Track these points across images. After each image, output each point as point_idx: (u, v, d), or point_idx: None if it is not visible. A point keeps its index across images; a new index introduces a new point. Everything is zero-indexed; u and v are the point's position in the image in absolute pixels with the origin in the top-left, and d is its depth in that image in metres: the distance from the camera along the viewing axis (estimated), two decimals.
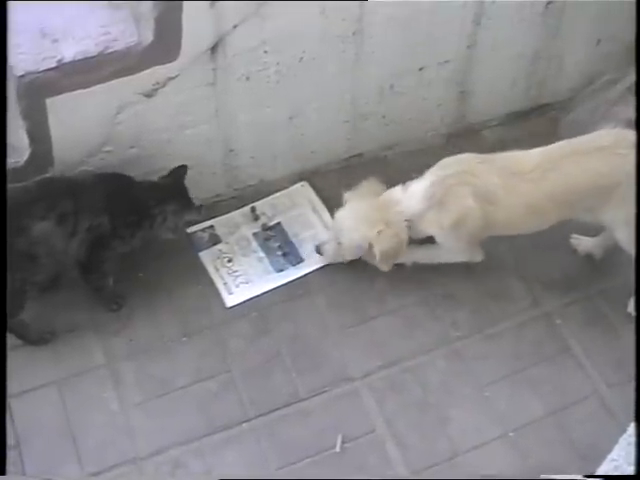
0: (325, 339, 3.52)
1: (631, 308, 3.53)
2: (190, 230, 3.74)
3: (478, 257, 3.58)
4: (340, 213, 3.59)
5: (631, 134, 3.29)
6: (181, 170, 3.52)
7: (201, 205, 3.59)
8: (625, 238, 3.40)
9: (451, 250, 3.55)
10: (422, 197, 3.43)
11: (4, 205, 3.09)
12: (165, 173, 3.52)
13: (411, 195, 3.47)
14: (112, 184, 3.40)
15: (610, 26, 3.94)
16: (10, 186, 3.18)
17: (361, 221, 3.52)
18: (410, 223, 3.47)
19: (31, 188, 3.27)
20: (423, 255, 3.62)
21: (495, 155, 3.46)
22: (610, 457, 2.67)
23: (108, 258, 3.43)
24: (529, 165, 3.35)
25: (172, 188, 3.52)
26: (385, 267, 3.56)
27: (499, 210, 3.37)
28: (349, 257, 3.62)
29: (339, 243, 3.58)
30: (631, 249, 3.39)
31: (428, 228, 3.47)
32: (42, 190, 3.27)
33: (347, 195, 3.61)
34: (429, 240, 3.54)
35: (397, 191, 3.51)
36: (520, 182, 3.34)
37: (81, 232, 3.30)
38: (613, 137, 3.34)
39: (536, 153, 3.40)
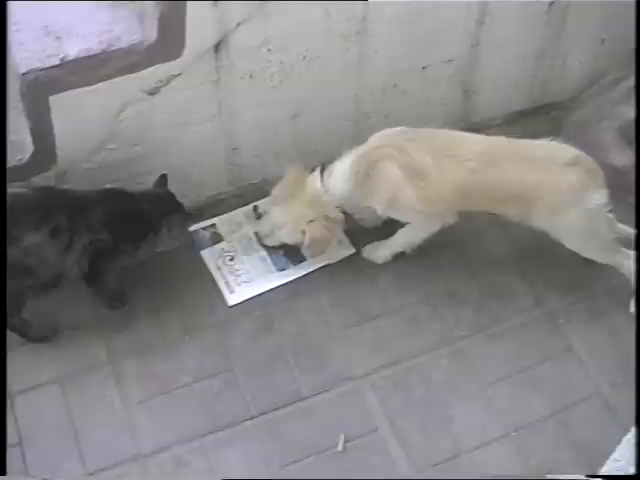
0: (328, 338, 3.52)
1: (633, 308, 3.54)
2: (192, 229, 3.74)
3: (450, 219, 3.51)
4: (273, 213, 3.65)
5: (570, 150, 3.35)
6: (163, 179, 3.50)
7: (190, 214, 3.59)
8: (573, 248, 3.47)
9: (415, 222, 3.56)
10: (346, 178, 3.46)
11: (4, 206, 3.08)
12: (154, 181, 3.51)
13: (336, 178, 3.49)
14: (112, 200, 3.36)
15: (614, 25, 3.94)
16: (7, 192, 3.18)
17: (295, 219, 3.55)
18: (343, 207, 3.53)
19: (27, 197, 3.23)
20: (403, 238, 3.64)
21: (429, 132, 3.47)
22: (613, 457, 2.67)
23: (110, 270, 3.42)
24: (468, 152, 3.35)
25: (166, 198, 3.50)
26: (313, 254, 3.66)
27: (430, 188, 3.37)
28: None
29: (280, 240, 3.66)
30: (586, 255, 3.49)
31: (367, 204, 3.50)
32: (39, 200, 3.23)
33: (275, 192, 3.64)
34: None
35: (319, 178, 3.53)
36: (454, 166, 3.34)
37: (78, 248, 3.26)
38: (550, 150, 3.37)
39: (477, 141, 3.42)
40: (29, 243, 3.15)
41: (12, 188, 3.21)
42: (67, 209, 3.23)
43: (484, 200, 3.40)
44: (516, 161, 3.35)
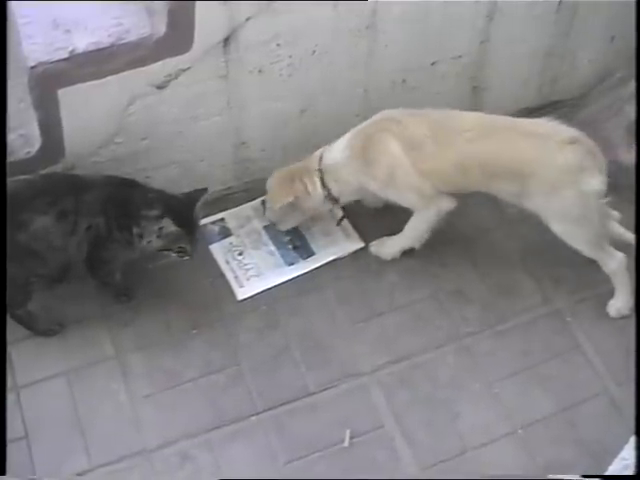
0: (334, 334, 3.52)
1: None
2: (201, 223, 3.73)
3: (447, 204, 3.49)
4: None
5: (569, 130, 3.32)
6: (199, 192, 3.39)
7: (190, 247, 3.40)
8: (560, 233, 3.41)
9: (413, 205, 3.53)
10: (341, 148, 3.49)
11: (4, 201, 3.08)
12: (187, 191, 3.43)
13: (333, 150, 3.53)
14: (112, 187, 3.32)
15: (624, 23, 3.92)
16: (15, 179, 3.18)
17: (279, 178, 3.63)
18: (323, 174, 3.52)
19: (36, 182, 3.25)
20: (410, 231, 3.63)
21: (429, 110, 3.47)
22: (621, 456, 2.66)
23: (110, 259, 3.40)
24: (466, 124, 3.36)
25: (168, 200, 3.34)
26: (272, 217, 3.72)
27: (428, 159, 3.37)
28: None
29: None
30: (571, 244, 3.42)
31: (367, 183, 3.49)
32: (46, 185, 3.24)
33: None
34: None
35: (319, 150, 3.59)
36: (453, 137, 3.35)
37: (80, 232, 3.26)
38: (549, 128, 3.34)
39: (474, 116, 3.45)
40: (38, 226, 3.16)
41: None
42: (73, 193, 3.23)
43: (480, 175, 3.36)
44: (513, 135, 3.33)
